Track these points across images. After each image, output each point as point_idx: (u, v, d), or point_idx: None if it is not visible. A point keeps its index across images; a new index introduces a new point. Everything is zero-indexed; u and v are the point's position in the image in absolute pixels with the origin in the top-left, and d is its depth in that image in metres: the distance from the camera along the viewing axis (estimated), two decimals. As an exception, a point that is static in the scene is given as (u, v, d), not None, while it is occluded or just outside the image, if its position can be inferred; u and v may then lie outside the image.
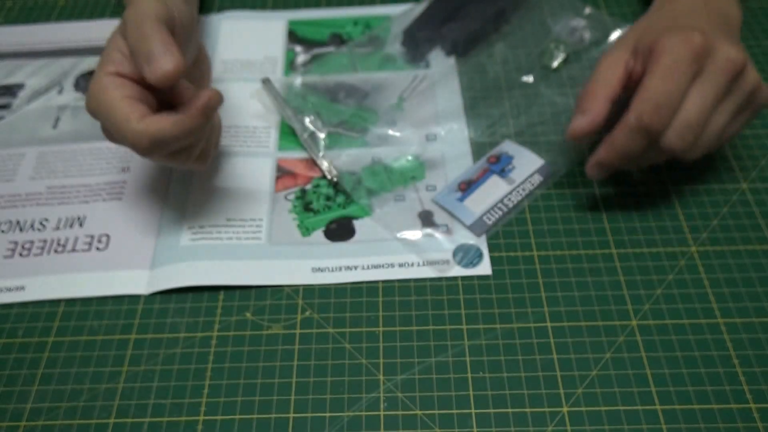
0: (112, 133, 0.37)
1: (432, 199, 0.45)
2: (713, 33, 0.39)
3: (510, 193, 0.45)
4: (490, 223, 0.43)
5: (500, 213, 0.44)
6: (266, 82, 0.52)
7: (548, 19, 0.56)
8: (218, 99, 0.37)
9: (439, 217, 0.44)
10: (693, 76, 0.38)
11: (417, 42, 0.55)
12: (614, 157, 0.40)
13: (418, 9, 0.57)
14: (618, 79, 0.40)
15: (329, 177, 0.46)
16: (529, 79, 0.52)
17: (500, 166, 0.46)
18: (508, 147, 0.47)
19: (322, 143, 0.48)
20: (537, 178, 0.45)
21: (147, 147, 0.36)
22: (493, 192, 0.45)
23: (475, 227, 0.43)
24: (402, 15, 0.57)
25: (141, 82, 0.37)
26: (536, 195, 0.45)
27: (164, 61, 0.35)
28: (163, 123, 0.36)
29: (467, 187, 0.45)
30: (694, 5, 0.42)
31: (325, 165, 0.47)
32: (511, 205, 0.44)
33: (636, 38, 0.41)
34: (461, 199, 0.44)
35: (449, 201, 0.44)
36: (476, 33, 0.54)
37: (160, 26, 0.36)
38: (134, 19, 0.36)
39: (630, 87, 0.40)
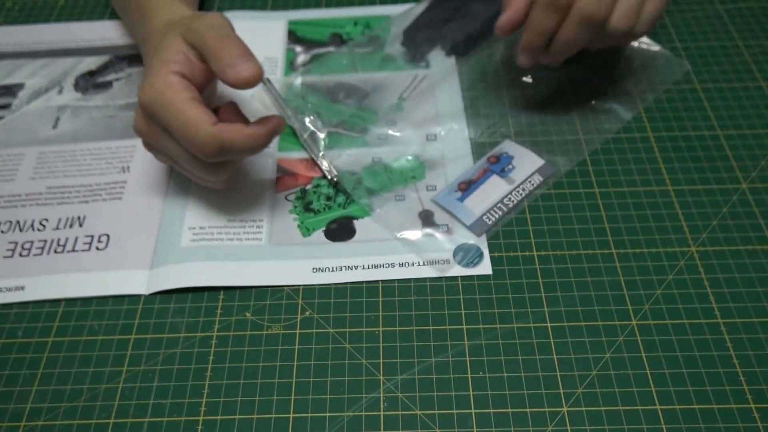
0: (177, 131, 0.38)
1: (432, 199, 0.45)
2: None
3: (510, 193, 0.45)
4: (490, 223, 0.43)
5: (500, 213, 0.44)
6: (266, 82, 0.52)
7: None
8: (284, 126, 0.41)
9: (440, 217, 0.44)
10: None
11: (417, 42, 0.55)
12: (534, 36, 0.44)
13: (418, 9, 0.57)
14: None
15: (329, 177, 0.46)
16: (528, 79, 0.52)
17: (500, 166, 0.46)
18: (509, 147, 0.47)
19: (322, 143, 0.48)
20: (537, 178, 0.45)
21: (212, 152, 0.38)
22: (493, 192, 0.45)
23: (475, 227, 0.43)
24: (402, 15, 0.57)
25: (198, 87, 0.40)
26: (536, 195, 0.45)
27: (247, 66, 0.38)
28: (237, 133, 0.38)
29: (467, 187, 0.45)
30: None
31: (325, 165, 0.47)
32: (511, 204, 0.44)
33: None
34: (461, 199, 0.44)
35: (449, 201, 0.44)
36: (476, 33, 0.54)
37: (238, 36, 0.40)
38: (212, 28, 0.40)
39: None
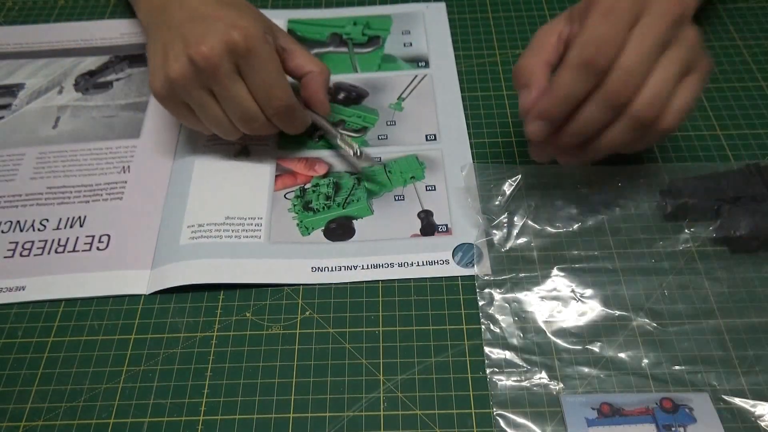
0: (264, 71, 0.42)
1: (559, 396, 0.36)
2: None
3: None
4: None
5: None
6: None
7: None
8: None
9: (439, 216, 0.44)
10: (633, 17, 0.35)
11: (682, 204, 0.43)
12: (556, 103, 0.36)
13: (692, 172, 0.45)
14: (551, 45, 0.38)
15: (352, 152, 0.45)
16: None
17: (671, 419, 0.34)
18: (698, 403, 0.35)
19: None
20: None
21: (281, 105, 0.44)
22: None
23: None
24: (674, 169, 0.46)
25: None
26: None
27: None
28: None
29: (611, 412, 0.34)
30: None
31: (347, 141, 0.46)
32: None
33: (571, 9, 0.39)
34: (592, 423, 0.34)
35: (575, 410, 0.34)
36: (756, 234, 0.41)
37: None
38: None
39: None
